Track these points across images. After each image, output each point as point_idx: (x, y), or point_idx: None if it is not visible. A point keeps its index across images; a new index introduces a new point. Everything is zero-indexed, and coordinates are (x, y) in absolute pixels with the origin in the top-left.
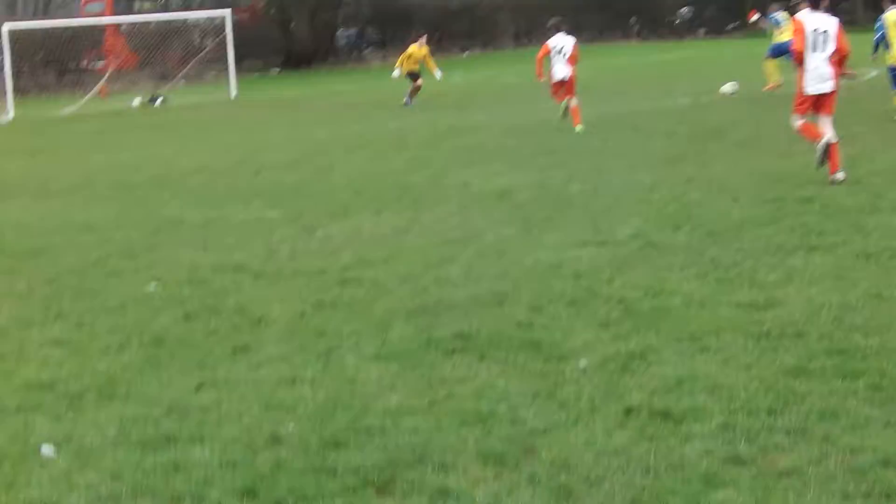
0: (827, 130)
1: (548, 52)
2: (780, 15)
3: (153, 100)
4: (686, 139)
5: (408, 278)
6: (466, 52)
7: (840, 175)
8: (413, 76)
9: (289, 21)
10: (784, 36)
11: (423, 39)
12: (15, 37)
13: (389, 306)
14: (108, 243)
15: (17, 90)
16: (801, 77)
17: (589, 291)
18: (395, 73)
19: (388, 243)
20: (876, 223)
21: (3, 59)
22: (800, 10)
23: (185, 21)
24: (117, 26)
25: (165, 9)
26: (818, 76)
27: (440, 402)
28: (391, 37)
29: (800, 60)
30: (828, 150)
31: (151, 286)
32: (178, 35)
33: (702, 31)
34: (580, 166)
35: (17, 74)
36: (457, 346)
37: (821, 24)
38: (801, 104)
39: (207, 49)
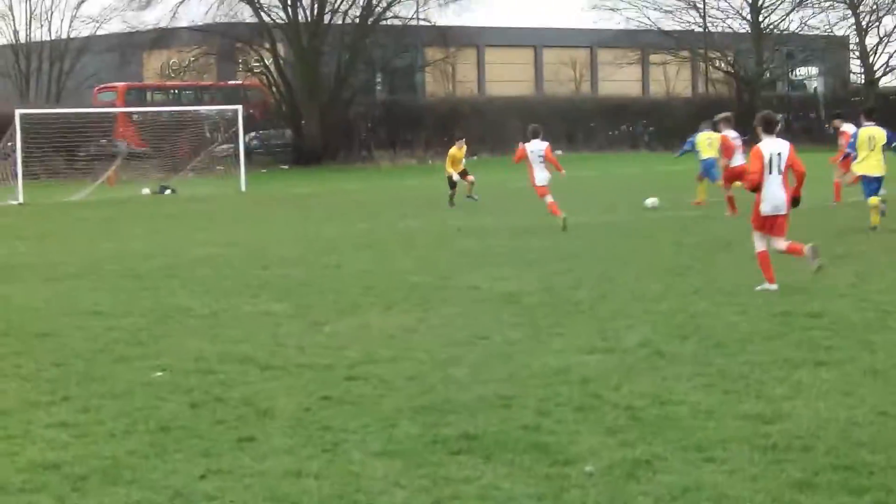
0: (779, 246)
1: (524, 155)
2: (700, 135)
3: (162, 190)
4: (694, 249)
5: (415, 377)
6: (475, 156)
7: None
8: (462, 174)
9: (300, 118)
10: (707, 153)
11: (462, 142)
12: (26, 122)
13: (396, 404)
14: (116, 329)
15: (28, 175)
16: (758, 200)
17: (596, 397)
18: (454, 175)
19: (396, 341)
20: (883, 340)
21: (14, 143)
22: (720, 128)
23: (196, 114)
24: (129, 115)
25: (178, 101)
26: (773, 199)
27: (445, 501)
28: (401, 138)
29: (756, 185)
30: (816, 251)
31: (158, 374)
32: (188, 127)
33: None
34: (588, 272)
35: (27, 159)
36: (463, 446)
37: (776, 149)
38: (756, 221)
39: (218, 142)
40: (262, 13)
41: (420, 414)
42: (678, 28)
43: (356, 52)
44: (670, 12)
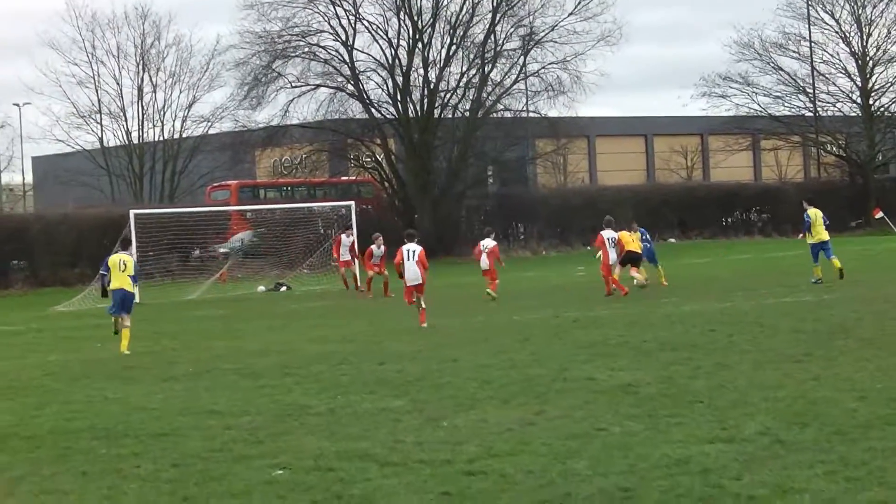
0: (422, 304)
1: (604, 242)
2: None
3: (277, 287)
4: (811, 336)
5: (534, 470)
6: (589, 247)
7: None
8: None
9: (413, 212)
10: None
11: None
12: (141, 222)
13: (516, 498)
14: (234, 428)
15: (143, 274)
16: (405, 279)
17: (717, 488)
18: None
19: (514, 435)
20: None
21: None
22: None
23: (309, 210)
24: (242, 214)
25: (291, 198)
26: (410, 275)
27: None
28: (514, 230)
29: (400, 268)
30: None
31: (278, 472)
32: (302, 224)
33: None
34: (705, 362)
35: (142, 259)
36: None
37: (411, 248)
38: (407, 293)
39: (332, 238)
40: (373, 109)
41: None
42: (788, 113)
43: (467, 146)
44: (780, 98)
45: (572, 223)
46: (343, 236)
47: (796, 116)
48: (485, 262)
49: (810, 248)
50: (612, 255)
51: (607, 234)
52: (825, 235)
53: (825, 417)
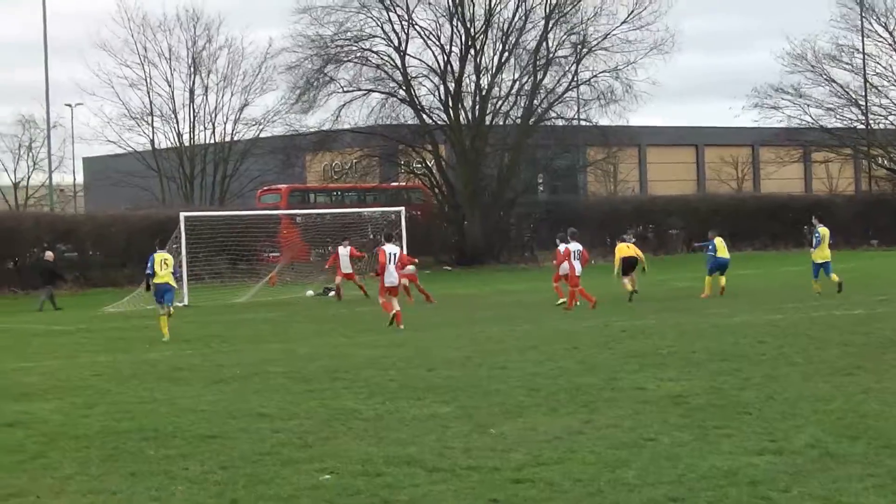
0: (395, 305)
1: (569, 255)
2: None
3: (326, 291)
4: (861, 349)
5: (582, 479)
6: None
7: (401, 327)
8: None
9: (462, 219)
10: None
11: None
12: (191, 225)
13: None
14: (282, 432)
15: (192, 277)
16: (382, 279)
17: (766, 500)
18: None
19: (563, 443)
20: None
21: (179, 246)
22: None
23: (359, 215)
24: (292, 218)
25: (341, 203)
26: (391, 277)
27: None
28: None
29: (382, 270)
30: (396, 316)
31: (325, 477)
32: (351, 229)
33: (874, 241)
34: (754, 373)
35: (191, 261)
36: None
37: (393, 250)
38: (388, 290)
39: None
40: (424, 115)
41: None
42: (840, 125)
43: (518, 153)
44: (832, 110)
45: (622, 232)
46: (340, 248)
47: (848, 129)
48: (572, 267)
49: (812, 266)
50: (577, 268)
51: (573, 246)
52: (828, 255)
53: (875, 431)
